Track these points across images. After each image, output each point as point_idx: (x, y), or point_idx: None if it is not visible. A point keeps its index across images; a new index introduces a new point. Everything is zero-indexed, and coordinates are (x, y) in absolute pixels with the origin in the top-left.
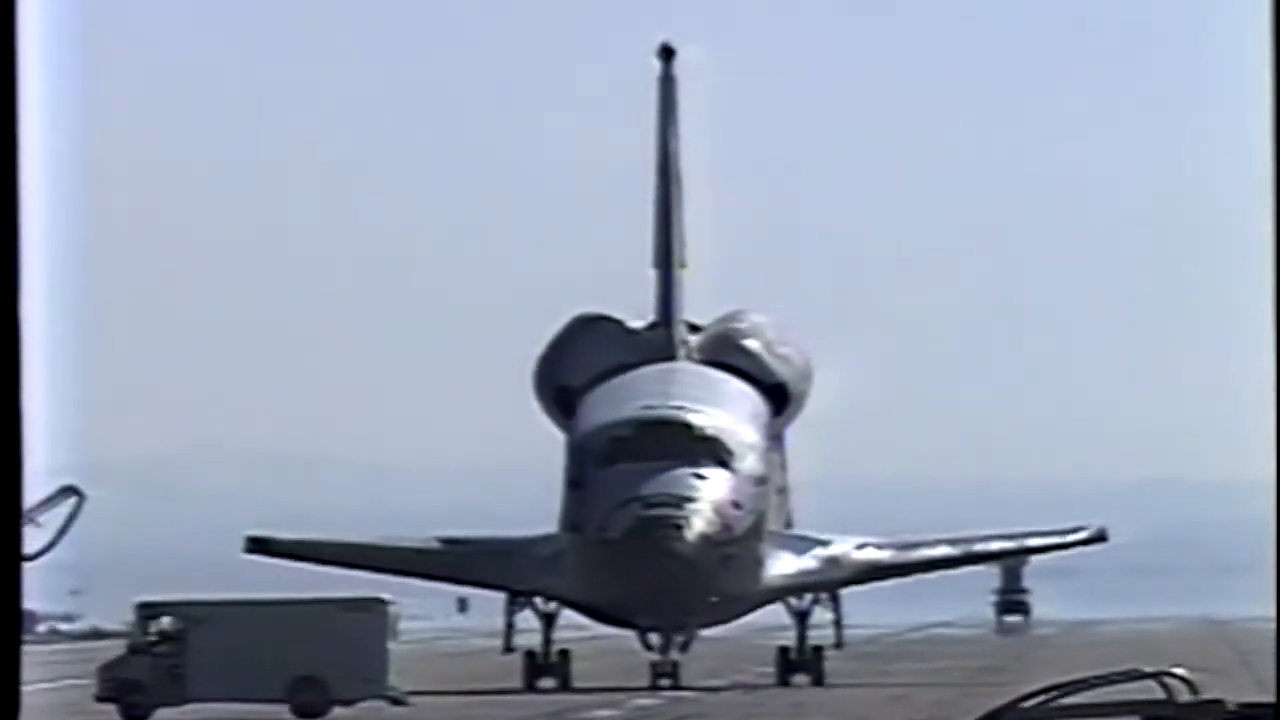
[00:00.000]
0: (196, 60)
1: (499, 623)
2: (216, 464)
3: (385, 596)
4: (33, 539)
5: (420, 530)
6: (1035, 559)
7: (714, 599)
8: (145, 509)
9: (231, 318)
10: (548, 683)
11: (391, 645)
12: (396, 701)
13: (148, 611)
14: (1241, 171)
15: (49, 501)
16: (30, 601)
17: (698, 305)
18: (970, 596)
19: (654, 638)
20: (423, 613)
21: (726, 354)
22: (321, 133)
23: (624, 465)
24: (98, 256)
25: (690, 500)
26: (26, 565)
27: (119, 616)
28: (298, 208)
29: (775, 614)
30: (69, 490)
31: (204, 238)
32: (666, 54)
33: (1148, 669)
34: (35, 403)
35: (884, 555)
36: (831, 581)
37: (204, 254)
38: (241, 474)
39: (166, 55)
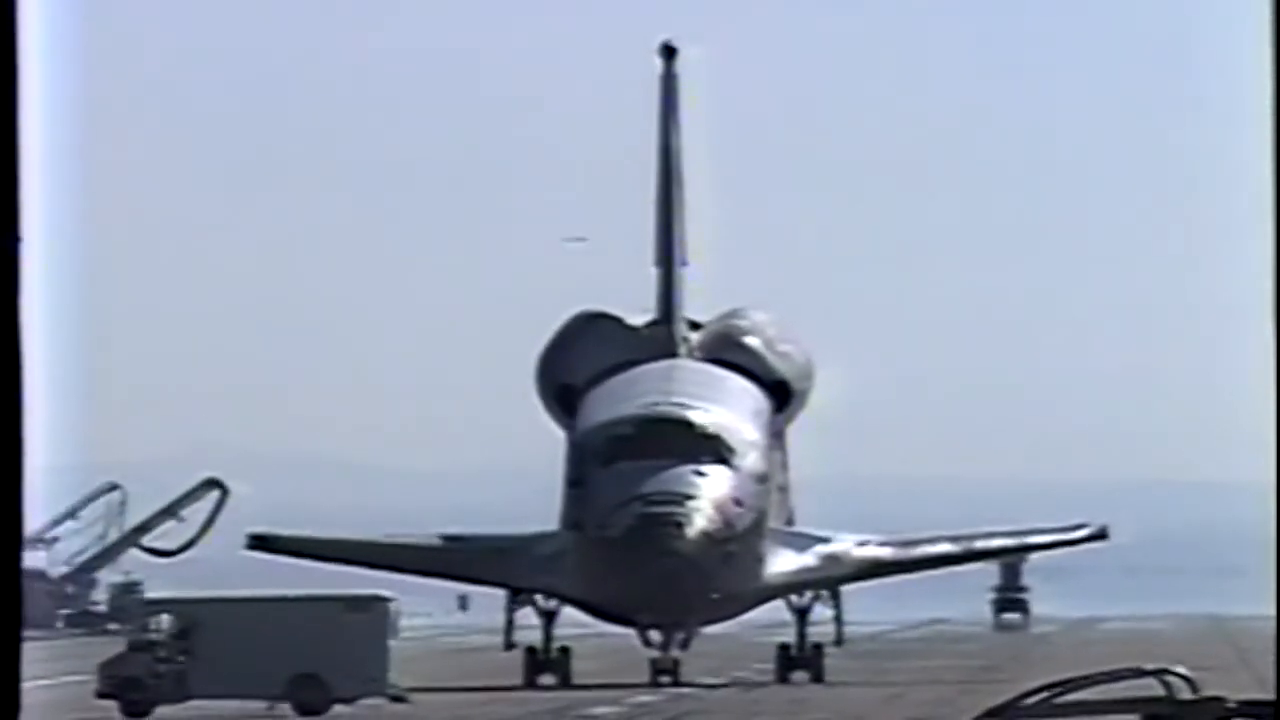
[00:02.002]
0: (196, 60)
1: (499, 620)
2: (219, 465)
3: (386, 594)
4: (177, 534)
5: (422, 529)
6: (1035, 557)
7: (715, 596)
8: (148, 509)
9: (233, 318)
10: (548, 680)
11: (392, 643)
12: (397, 699)
13: (149, 609)
14: (1241, 171)
15: (191, 495)
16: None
17: (699, 303)
18: (969, 594)
19: (654, 635)
20: (423, 610)
21: (728, 351)
22: (321, 131)
23: (625, 463)
24: (98, 256)
25: (691, 498)
26: (165, 560)
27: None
28: (299, 207)
29: (775, 611)
30: (212, 483)
31: (205, 238)
32: (668, 53)
33: (1148, 666)
34: (37, 403)
35: (884, 552)
36: (832, 579)
37: (206, 254)
38: (244, 475)
39: (167, 55)
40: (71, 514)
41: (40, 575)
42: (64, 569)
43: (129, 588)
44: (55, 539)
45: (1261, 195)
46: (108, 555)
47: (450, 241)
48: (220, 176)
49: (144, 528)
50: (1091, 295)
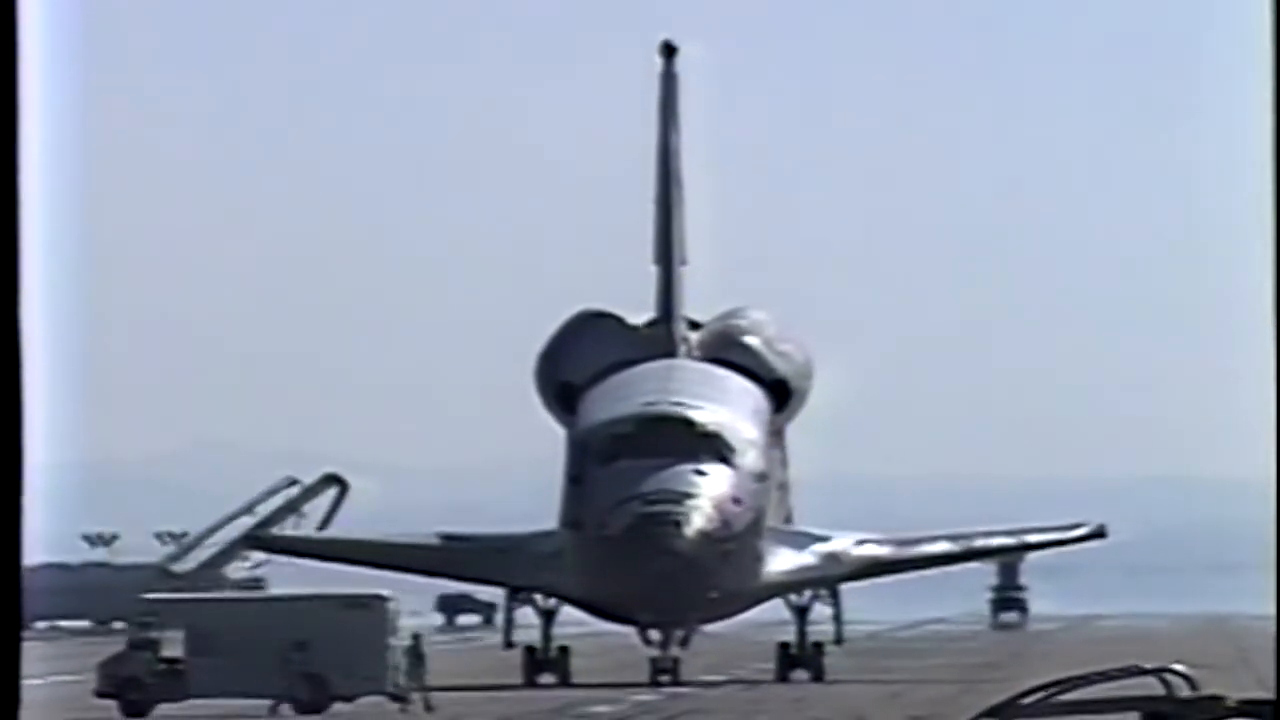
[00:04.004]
0: (197, 60)
1: (499, 619)
2: (221, 462)
3: (385, 593)
4: (299, 529)
5: (422, 527)
6: (1033, 556)
7: (714, 595)
8: (150, 507)
9: (236, 316)
10: (547, 678)
11: (392, 641)
12: (397, 698)
13: (149, 607)
14: (1242, 169)
15: (311, 491)
16: (36, 603)
17: (698, 302)
18: (967, 593)
19: (654, 634)
20: (423, 609)
21: (727, 350)
22: (324, 132)
23: (625, 462)
24: (101, 255)
25: (690, 497)
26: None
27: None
28: (301, 207)
29: (775, 610)
30: (331, 479)
31: (208, 237)
32: (668, 51)
33: (1147, 665)
34: (39, 401)
35: (883, 551)
36: (831, 577)
37: (208, 253)
38: (246, 472)
39: (167, 55)
40: (248, 509)
41: (165, 571)
42: (191, 565)
43: (253, 583)
44: (184, 534)
45: (1262, 193)
46: (233, 551)
47: (450, 240)
48: (221, 176)
49: (266, 524)
50: (1091, 294)
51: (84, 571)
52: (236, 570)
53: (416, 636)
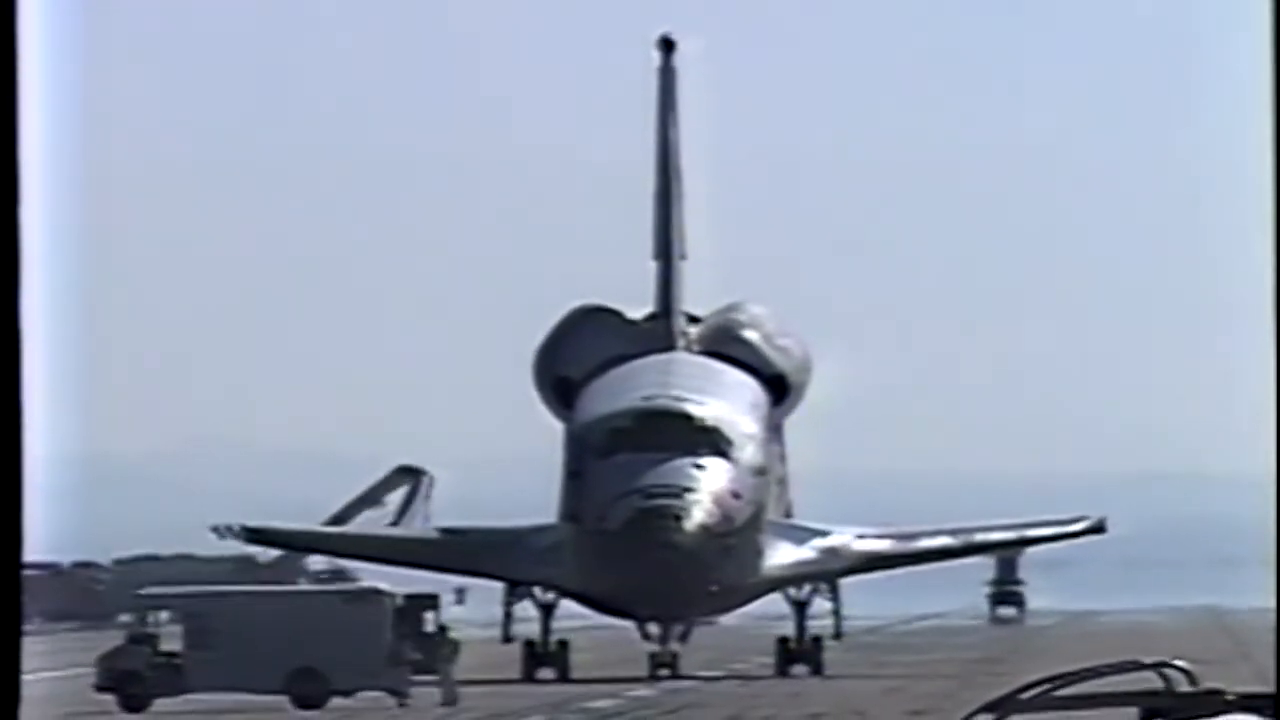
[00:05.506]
0: (197, 58)
1: (497, 613)
2: (216, 459)
3: (384, 586)
4: (377, 519)
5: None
6: (1032, 550)
7: (713, 589)
8: (145, 503)
9: (230, 312)
10: (546, 673)
11: (389, 636)
12: (395, 692)
13: (147, 602)
14: (1243, 167)
15: (387, 482)
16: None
17: (697, 296)
18: (965, 588)
19: (653, 628)
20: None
21: (726, 345)
22: (320, 128)
23: (623, 456)
24: (97, 253)
25: (689, 491)
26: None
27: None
28: (297, 203)
29: (774, 604)
30: (408, 470)
31: (204, 234)
32: (666, 46)
33: (1146, 659)
34: (36, 398)
35: (883, 546)
36: (830, 572)
37: (204, 250)
38: (241, 468)
39: (167, 54)
40: (371, 499)
41: (250, 561)
42: (271, 555)
43: (336, 574)
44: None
45: (1261, 188)
46: None
47: (450, 234)
48: (219, 173)
49: (343, 516)
50: (1089, 289)
51: (173, 563)
52: (316, 562)
53: (444, 628)
